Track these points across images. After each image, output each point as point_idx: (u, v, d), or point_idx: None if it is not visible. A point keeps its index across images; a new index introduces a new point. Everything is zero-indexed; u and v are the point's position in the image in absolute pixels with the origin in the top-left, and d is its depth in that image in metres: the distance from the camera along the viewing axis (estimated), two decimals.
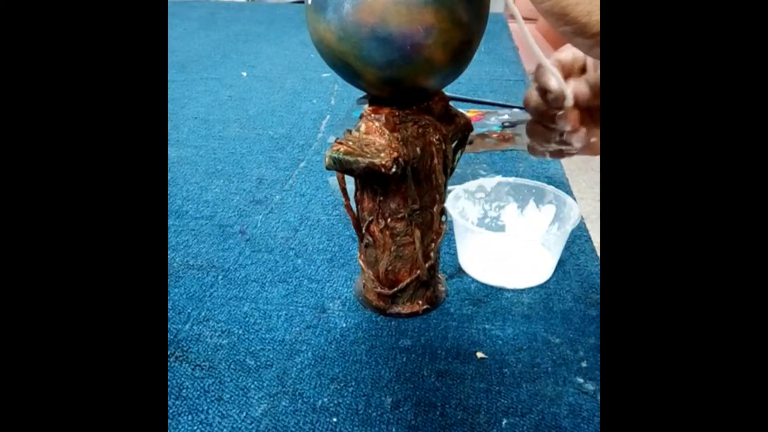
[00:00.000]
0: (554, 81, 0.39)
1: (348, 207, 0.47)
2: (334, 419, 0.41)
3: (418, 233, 0.47)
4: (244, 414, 0.41)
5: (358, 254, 0.51)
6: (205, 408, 0.42)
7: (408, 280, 0.49)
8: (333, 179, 0.72)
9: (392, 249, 0.47)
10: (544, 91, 0.40)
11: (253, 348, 0.47)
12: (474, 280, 0.55)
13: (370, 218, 0.47)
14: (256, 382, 0.44)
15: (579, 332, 0.49)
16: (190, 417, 0.41)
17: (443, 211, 0.48)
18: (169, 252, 0.59)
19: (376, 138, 0.42)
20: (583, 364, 0.45)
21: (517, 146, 0.82)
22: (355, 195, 0.47)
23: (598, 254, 0.58)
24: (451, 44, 0.37)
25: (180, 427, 0.40)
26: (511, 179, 0.60)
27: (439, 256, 0.51)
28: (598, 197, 0.33)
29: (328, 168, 0.42)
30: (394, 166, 0.40)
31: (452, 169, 0.48)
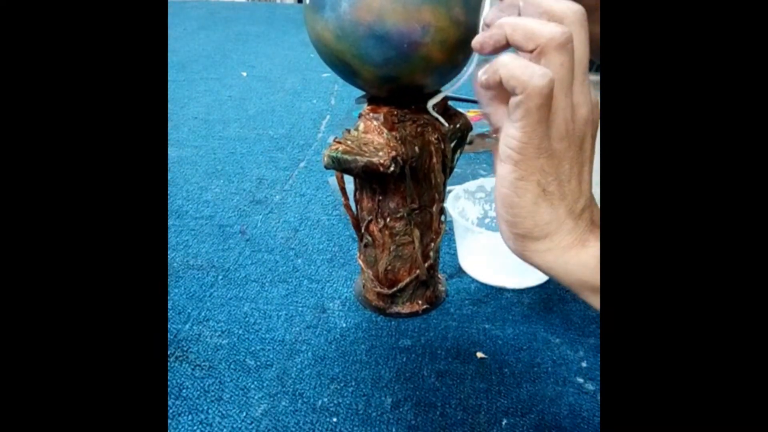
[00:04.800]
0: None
1: (347, 206, 0.47)
2: (334, 419, 0.41)
3: (417, 233, 0.47)
4: (244, 414, 0.41)
5: (358, 254, 0.51)
6: (205, 408, 0.42)
7: (407, 279, 0.49)
8: (333, 179, 0.72)
9: (391, 248, 0.47)
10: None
11: (253, 348, 0.47)
12: (474, 280, 0.55)
13: (370, 218, 0.47)
14: (256, 382, 0.44)
15: (579, 332, 0.49)
16: (190, 417, 0.41)
17: (442, 211, 0.48)
18: (169, 252, 0.59)
19: (374, 137, 0.42)
20: (583, 364, 0.45)
21: None
22: (355, 194, 0.47)
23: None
24: (448, 42, 0.37)
25: (180, 427, 0.40)
26: None
27: (438, 256, 0.51)
28: (598, 197, 0.33)
29: (326, 167, 0.42)
30: (393, 165, 0.40)
31: (451, 169, 0.48)
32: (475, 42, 0.31)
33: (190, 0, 1.79)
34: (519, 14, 0.30)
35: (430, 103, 0.42)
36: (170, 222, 0.64)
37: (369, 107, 0.43)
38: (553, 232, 0.30)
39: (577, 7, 0.29)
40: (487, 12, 0.38)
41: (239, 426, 0.40)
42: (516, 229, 0.30)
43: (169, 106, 0.95)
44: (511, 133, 0.28)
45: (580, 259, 0.30)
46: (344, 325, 0.50)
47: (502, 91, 0.30)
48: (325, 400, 0.42)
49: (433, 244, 0.49)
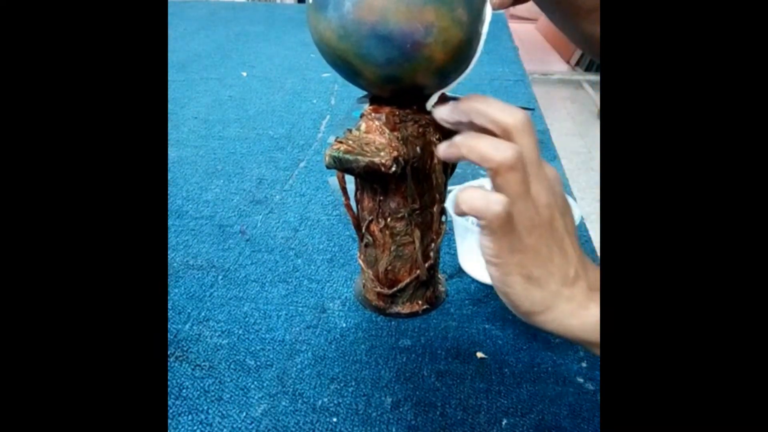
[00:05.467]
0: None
1: (348, 206, 0.47)
2: (334, 419, 0.41)
3: (417, 233, 0.47)
4: (244, 414, 0.41)
5: (358, 254, 0.51)
6: (205, 408, 0.42)
7: (408, 279, 0.49)
8: (333, 179, 0.72)
9: (392, 249, 0.47)
10: None
11: (253, 348, 0.47)
12: (474, 280, 0.55)
13: (370, 218, 0.47)
14: (256, 382, 0.44)
15: None
16: (190, 417, 0.41)
17: (443, 211, 0.48)
18: (169, 252, 0.59)
19: (376, 137, 0.42)
20: (583, 364, 0.45)
21: None
22: (356, 194, 0.47)
23: (598, 254, 0.58)
24: (451, 43, 0.37)
25: (180, 427, 0.40)
26: None
27: (439, 256, 0.51)
28: (598, 197, 0.33)
29: (328, 167, 0.42)
30: (394, 165, 0.40)
31: (452, 170, 0.48)
32: (439, 154, 0.35)
33: (190, 0, 1.79)
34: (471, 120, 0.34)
35: (429, 103, 0.42)
36: (170, 222, 0.64)
37: (371, 107, 0.43)
38: (552, 305, 0.33)
39: (521, 115, 0.32)
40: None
41: (239, 426, 0.40)
42: (518, 310, 0.34)
43: (169, 106, 0.95)
44: (484, 244, 0.33)
45: (583, 324, 0.33)
46: (344, 325, 0.50)
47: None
48: (325, 400, 0.42)
49: (433, 245, 0.49)
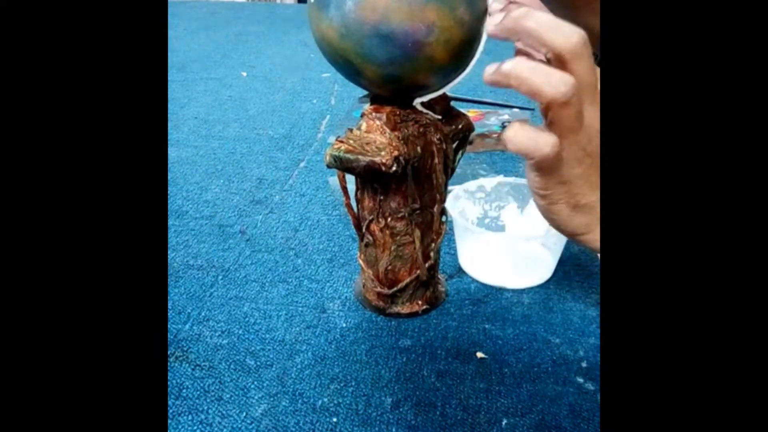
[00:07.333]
0: None
1: (348, 206, 0.47)
2: (334, 419, 0.41)
3: (418, 233, 0.47)
4: (244, 414, 0.41)
5: (358, 254, 0.51)
6: (205, 408, 0.42)
7: (408, 279, 0.49)
8: (333, 179, 0.72)
9: (392, 248, 0.47)
10: None
11: (253, 348, 0.47)
12: (474, 280, 0.55)
13: (371, 217, 0.47)
14: (256, 382, 0.44)
15: (579, 332, 0.49)
16: (190, 417, 0.41)
17: (443, 211, 0.48)
18: (169, 252, 0.59)
19: (376, 136, 0.42)
20: (583, 364, 0.45)
21: None
22: (356, 194, 0.47)
23: (599, 254, 0.58)
24: (452, 42, 0.37)
25: (180, 427, 0.40)
26: (511, 179, 0.59)
27: (439, 257, 0.51)
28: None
29: (328, 166, 0.42)
30: (395, 165, 0.40)
31: (453, 169, 0.48)
32: (485, 78, 0.31)
33: (190, 0, 1.79)
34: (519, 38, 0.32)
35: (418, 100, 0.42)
36: (170, 222, 0.64)
37: (372, 107, 0.43)
38: (596, 227, 0.33)
39: (576, 39, 0.29)
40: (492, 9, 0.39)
41: (239, 426, 0.40)
42: (562, 232, 0.34)
43: (169, 106, 0.95)
44: (531, 177, 0.32)
45: None
46: (344, 325, 0.50)
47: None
48: (325, 400, 0.42)
49: (433, 245, 0.49)
